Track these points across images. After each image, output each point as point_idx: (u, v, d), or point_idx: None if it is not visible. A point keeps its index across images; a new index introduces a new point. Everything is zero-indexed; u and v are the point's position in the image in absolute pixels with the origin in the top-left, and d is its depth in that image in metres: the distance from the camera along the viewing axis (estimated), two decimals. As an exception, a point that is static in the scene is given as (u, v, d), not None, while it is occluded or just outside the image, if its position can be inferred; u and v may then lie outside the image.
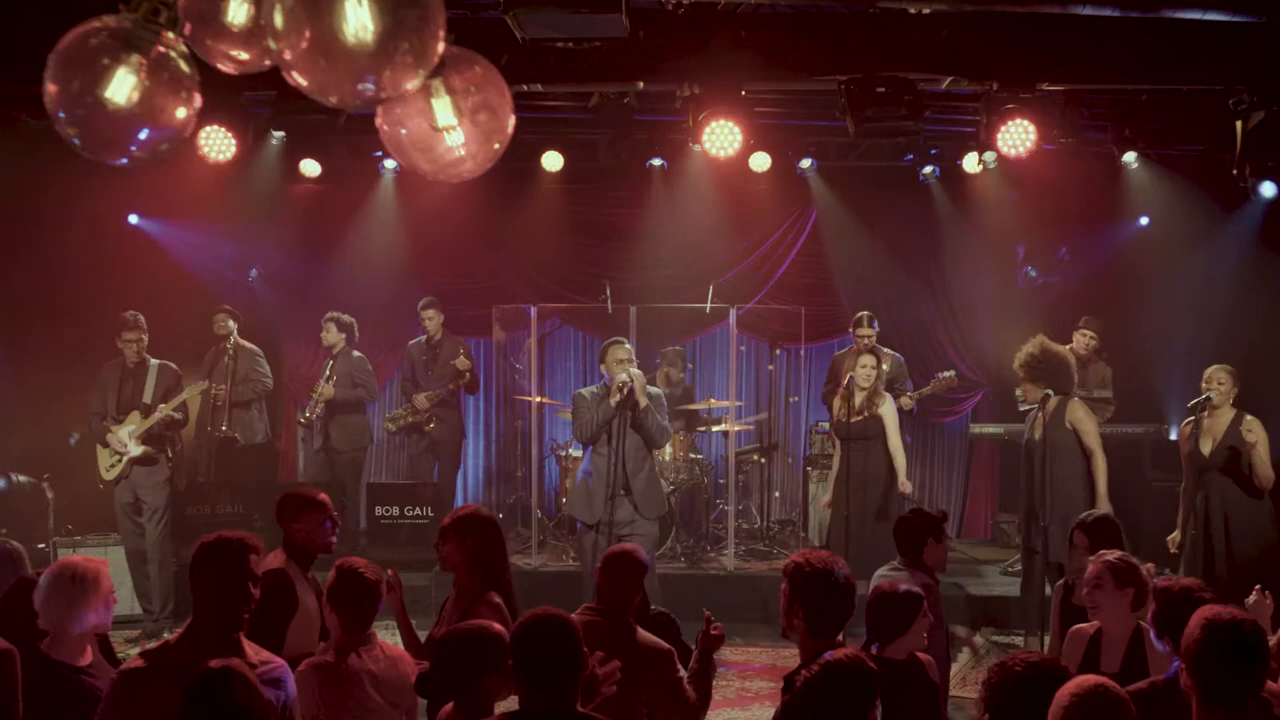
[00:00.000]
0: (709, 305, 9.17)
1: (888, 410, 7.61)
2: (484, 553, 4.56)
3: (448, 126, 3.12)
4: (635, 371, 6.98)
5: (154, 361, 8.05)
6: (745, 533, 9.75)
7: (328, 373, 9.26)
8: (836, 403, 7.66)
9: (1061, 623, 5.02)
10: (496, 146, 3.22)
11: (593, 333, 10.54)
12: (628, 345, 7.18)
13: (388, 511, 8.88)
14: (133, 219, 9.96)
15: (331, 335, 9.34)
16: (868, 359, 7.56)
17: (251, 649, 3.58)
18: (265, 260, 10.29)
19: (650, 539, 7.19)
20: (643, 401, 6.85)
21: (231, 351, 9.10)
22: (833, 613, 3.77)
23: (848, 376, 7.47)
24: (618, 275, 9.76)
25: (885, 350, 8.93)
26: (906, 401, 8.61)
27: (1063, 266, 9.90)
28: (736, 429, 9.58)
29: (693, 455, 9.29)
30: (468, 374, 9.43)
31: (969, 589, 8.53)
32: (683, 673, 4.29)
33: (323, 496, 4.92)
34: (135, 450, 7.88)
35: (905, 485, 7.77)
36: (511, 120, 3.24)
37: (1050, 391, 7.05)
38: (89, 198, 8.80)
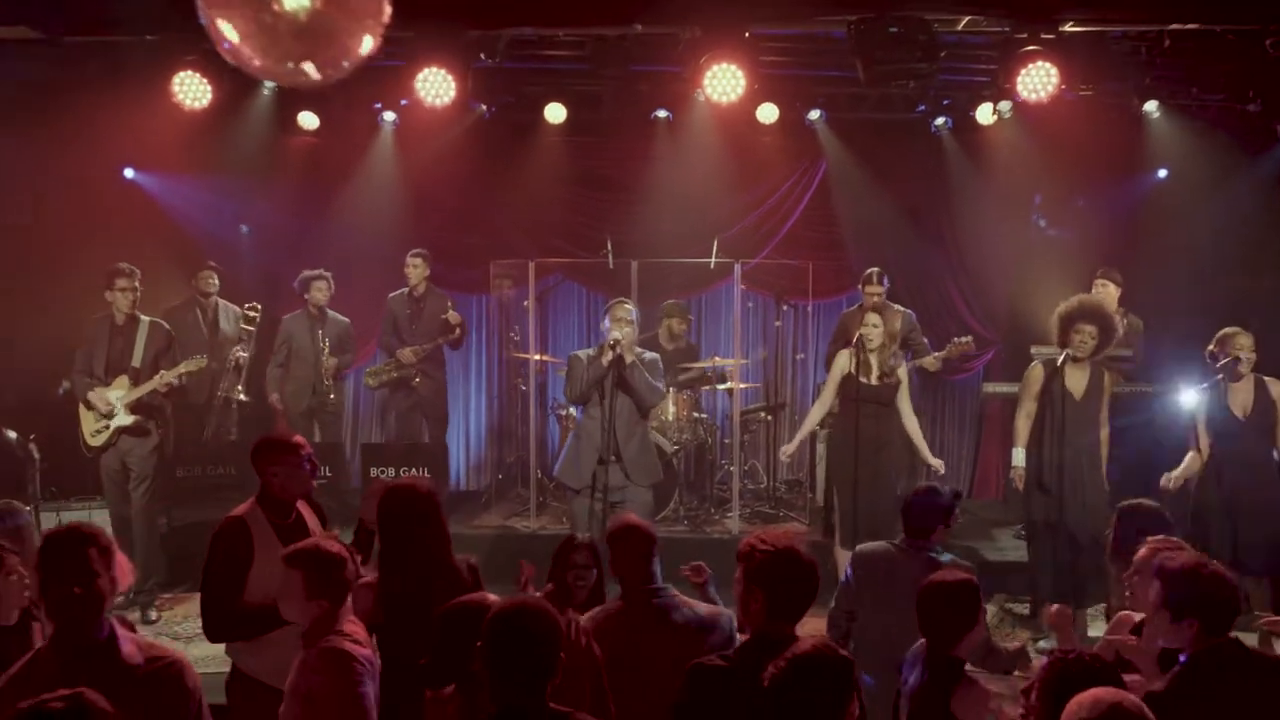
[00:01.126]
0: (713, 260, 8.86)
1: (903, 375, 7.29)
2: (393, 529, 4.34)
3: (298, 8, 2.32)
4: (627, 330, 6.83)
5: (145, 319, 7.62)
6: (751, 494, 9.51)
7: (322, 344, 9.03)
8: (846, 357, 7.31)
9: None
10: (367, 38, 2.37)
11: (596, 289, 10.27)
12: (630, 305, 7.05)
13: (382, 473, 8.62)
14: (128, 173, 9.71)
15: (322, 294, 9.08)
16: (872, 316, 7.22)
17: (137, 647, 3.26)
18: (258, 216, 10.03)
19: (644, 506, 6.98)
20: (628, 357, 6.67)
21: (251, 313, 8.99)
22: (794, 596, 3.44)
23: (857, 334, 7.13)
24: (620, 230, 9.46)
25: (895, 307, 8.65)
26: (932, 362, 8.30)
27: (1075, 219, 9.60)
28: (742, 387, 9.30)
29: (696, 414, 9.03)
30: (459, 329, 9.15)
31: (982, 553, 8.28)
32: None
33: (298, 439, 4.71)
34: (124, 419, 7.46)
35: (933, 460, 7.38)
36: (388, 6, 2.39)
37: (1070, 352, 6.75)
38: (82, 148, 8.56)
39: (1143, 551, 4.10)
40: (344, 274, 9.39)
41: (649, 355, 7.03)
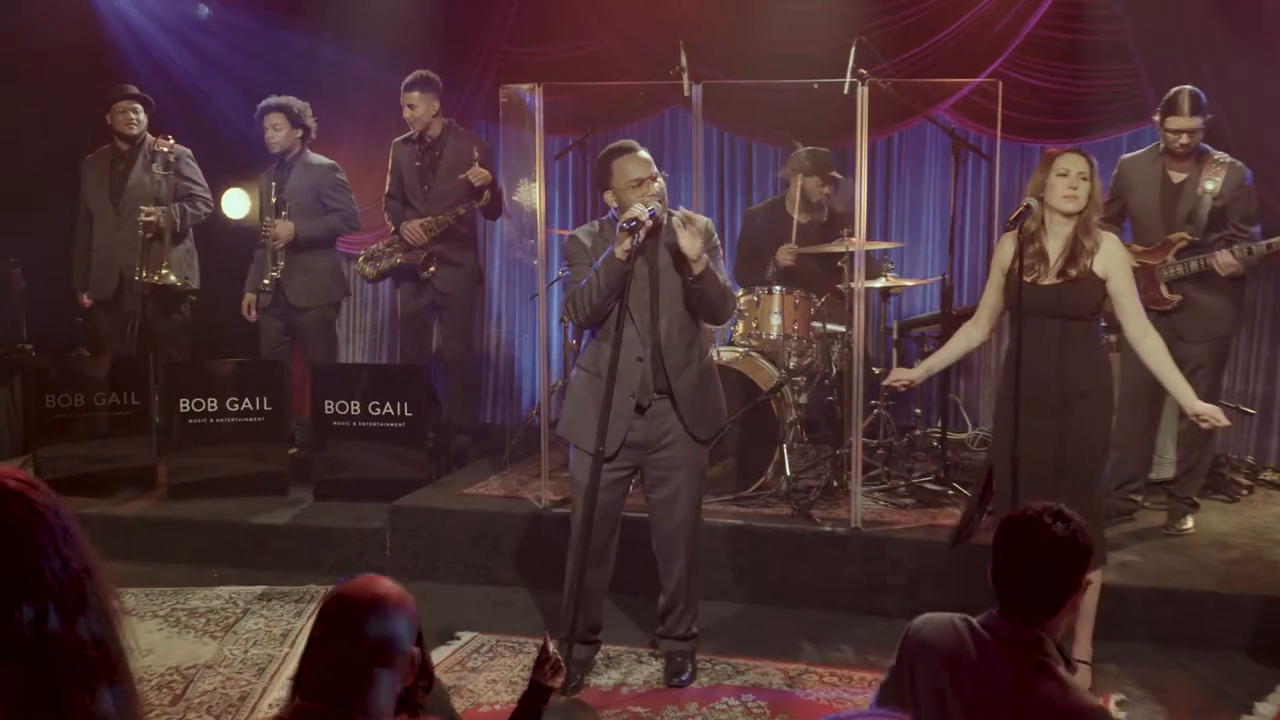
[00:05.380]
0: (847, 80, 5.33)
1: (1112, 257, 3.85)
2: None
3: None
4: (655, 194, 3.97)
5: None
6: (923, 452, 6.14)
7: (273, 197, 6.33)
8: (1008, 244, 3.96)
9: None
10: None
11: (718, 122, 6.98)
12: (643, 154, 4.05)
13: (342, 409, 5.86)
14: None
15: (281, 134, 6.34)
16: (1072, 160, 3.83)
17: None
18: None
19: (696, 471, 4.25)
20: (694, 252, 3.86)
21: (171, 156, 6.36)
22: None
23: (1032, 202, 3.76)
24: (705, 43, 6.12)
25: (1218, 156, 5.08)
26: (1229, 263, 4.79)
27: None
28: (908, 284, 5.96)
29: (822, 326, 5.75)
30: (486, 191, 6.23)
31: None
32: None
33: None
34: None
35: (1210, 414, 3.91)
36: None
37: None
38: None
39: None
40: (339, 107, 6.82)
41: (701, 220, 4.04)
